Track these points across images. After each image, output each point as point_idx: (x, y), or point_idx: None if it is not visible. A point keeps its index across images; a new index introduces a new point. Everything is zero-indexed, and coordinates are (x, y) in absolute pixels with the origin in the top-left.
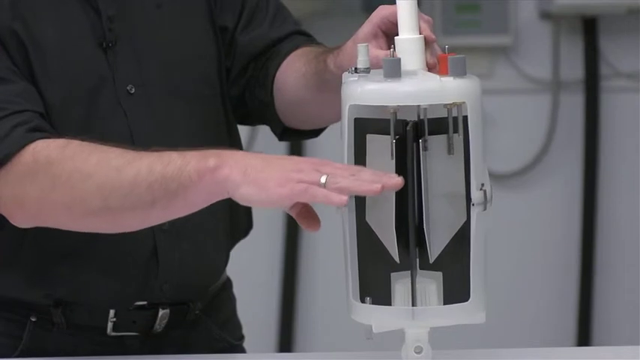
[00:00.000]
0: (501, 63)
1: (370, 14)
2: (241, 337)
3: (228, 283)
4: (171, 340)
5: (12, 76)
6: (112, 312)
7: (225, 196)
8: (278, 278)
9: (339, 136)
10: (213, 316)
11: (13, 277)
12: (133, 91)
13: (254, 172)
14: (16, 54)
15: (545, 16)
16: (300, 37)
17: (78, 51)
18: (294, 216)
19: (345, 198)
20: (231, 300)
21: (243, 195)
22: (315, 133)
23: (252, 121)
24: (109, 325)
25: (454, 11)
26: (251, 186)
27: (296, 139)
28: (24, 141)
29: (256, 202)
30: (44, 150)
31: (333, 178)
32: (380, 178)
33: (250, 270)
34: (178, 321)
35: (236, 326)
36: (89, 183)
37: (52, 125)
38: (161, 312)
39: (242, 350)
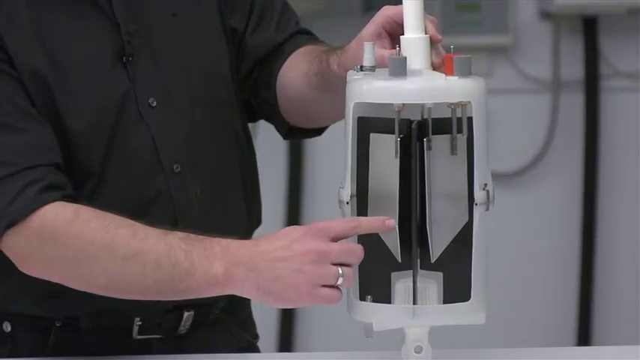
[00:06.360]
0: (501, 63)
1: (370, 14)
2: (256, 336)
3: None
4: (194, 340)
5: (25, 123)
6: (137, 317)
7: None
8: None
9: (341, 136)
10: (233, 315)
11: (32, 296)
12: (154, 104)
13: (266, 283)
14: (36, 92)
15: (545, 15)
16: (303, 36)
17: (100, 68)
18: None
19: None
20: (248, 298)
21: (260, 301)
22: (319, 131)
23: (256, 119)
24: (135, 328)
25: (454, 11)
26: (265, 297)
27: (301, 137)
28: (34, 205)
29: (273, 306)
30: (52, 221)
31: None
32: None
33: None
34: (201, 321)
35: (252, 325)
36: (95, 265)
37: (77, 148)
38: (186, 314)
39: (257, 349)
